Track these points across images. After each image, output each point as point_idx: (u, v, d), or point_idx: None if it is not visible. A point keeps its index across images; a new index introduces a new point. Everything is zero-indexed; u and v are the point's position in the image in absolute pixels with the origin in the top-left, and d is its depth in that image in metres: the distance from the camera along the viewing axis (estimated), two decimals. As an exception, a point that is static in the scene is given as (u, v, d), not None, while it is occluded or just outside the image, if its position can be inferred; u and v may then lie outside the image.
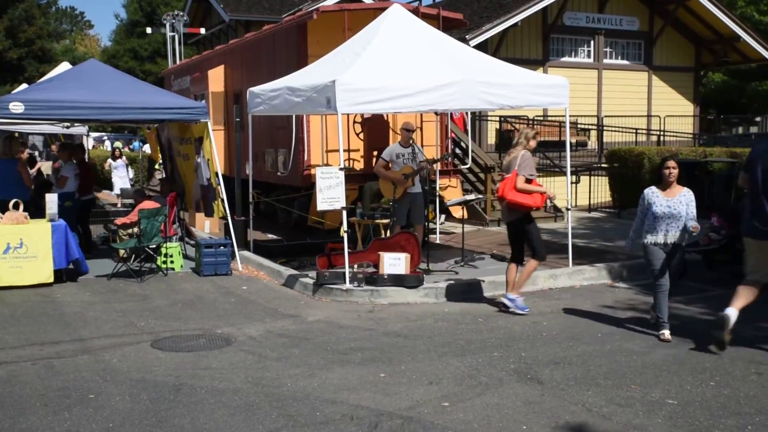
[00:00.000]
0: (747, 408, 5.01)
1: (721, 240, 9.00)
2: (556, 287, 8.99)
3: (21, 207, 9.33)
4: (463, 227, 10.62)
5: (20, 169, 10.49)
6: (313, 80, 8.94)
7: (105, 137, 37.82)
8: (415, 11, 11.52)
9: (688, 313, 7.70)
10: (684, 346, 6.46)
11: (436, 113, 12.34)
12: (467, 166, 14.11)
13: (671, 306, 8.00)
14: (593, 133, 19.26)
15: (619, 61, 19.95)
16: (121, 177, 18.75)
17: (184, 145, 11.37)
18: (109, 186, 20.50)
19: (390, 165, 9.90)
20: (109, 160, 19.28)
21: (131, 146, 36.46)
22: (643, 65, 20.19)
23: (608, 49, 19.73)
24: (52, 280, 9.08)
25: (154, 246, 9.90)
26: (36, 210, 9.98)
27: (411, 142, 9.98)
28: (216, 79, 15.71)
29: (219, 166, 10.19)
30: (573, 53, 19.33)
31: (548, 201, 7.69)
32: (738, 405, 5.06)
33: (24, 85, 19.87)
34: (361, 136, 12.33)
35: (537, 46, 18.71)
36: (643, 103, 20.22)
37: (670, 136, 19.91)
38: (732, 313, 6.16)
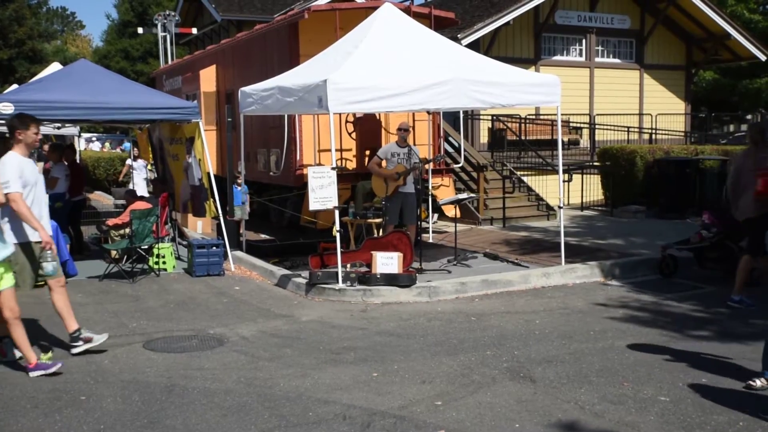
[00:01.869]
0: (738, 404, 5.02)
1: (712, 237, 9.02)
2: (549, 285, 9.00)
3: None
4: (455, 226, 10.63)
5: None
6: (305, 80, 8.92)
7: (94, 138, 37.58)
8: (407, 10, 11.52)
9: (679, 311, 7.72)
10: (675, 344, 6.48)
11: (428, 112, 12.34)
12: (460, 165, 14.12)
13: (662, 303, 8.04)
14: (585, 132, 19.30)
15: (611, 60, 19.98)
16: (144, 179, 17.61)
17: (174, 145, 11.34)
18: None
19: (384, 163, 9.90)
20: (129, 161, 18.05)
21: (122, 147, 36.24)
22: (634, 63, 20.22)
23: (600, 48, 19.75)
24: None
25: (146, 247, 9.86)
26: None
27: (407, 142, 9.98)
28: (208, 79, 15.67)
29: (211, 166, 10.15)
30: (565, 52, 19.35)
31: None
32: (729, 401, 5.07)
33: (15, 86, 19.74)
34: (353, 135, 12.32)
35: (529, 44, 18.72)
36: (635, 101, 20.25)
37: (661, 134, 19.97)
38: None
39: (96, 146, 35.33)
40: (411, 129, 11.24)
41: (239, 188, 12.04)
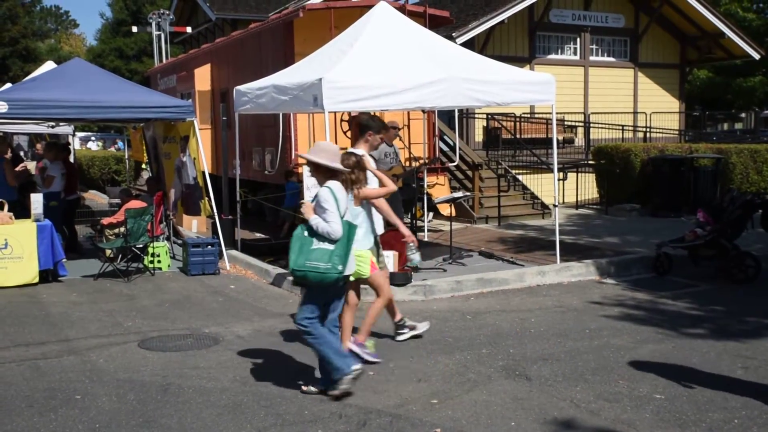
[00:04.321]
0: (733, 402, 5.04)
1: (706, 236, 9.05)
2: (544, 284, 9.01)
3: (5, 207, 9.25)
4: (451, 225, 10.63)
5: (6, 168, 10.41)
6: (300, 78, 8.91)
7: (93, 137, 37.47)
8: (402, 9, 11.50)
9: (674, 308, 7.74)
10: (670, 342, 6.50)
11: (423, 111, 12.34)
12: (455, 163, 14.12)
13: (657, 301, 8.06)
14: (580, 130, 19.32)
15: (605, 58, 20.00)
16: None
17: (167, 144, 11.32)
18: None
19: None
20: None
21: (117, 146, 36.12)
22: (628, 62, 20.25)
23: (594, 46, 19.78)
24: (37, 280, 9.02)
25: (141, 245, 9.84)
26: (21, 210, 9.90)
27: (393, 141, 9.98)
28: (202, 77, 15.63)
29: (206, 164, 10.15)
30: (559, 50, 19.37)
31: None
32: (724, 399, 5.09)
33: (8, 85, 19.64)
34: (349, 134, 12.30)
35: (523, 43, 18.73)
36: (629, 99, 20.29)
37: (656, 132, 20.01)
38: None
39: (94, 146, 35.15)
40: (402, 127, 11.23)
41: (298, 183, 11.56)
